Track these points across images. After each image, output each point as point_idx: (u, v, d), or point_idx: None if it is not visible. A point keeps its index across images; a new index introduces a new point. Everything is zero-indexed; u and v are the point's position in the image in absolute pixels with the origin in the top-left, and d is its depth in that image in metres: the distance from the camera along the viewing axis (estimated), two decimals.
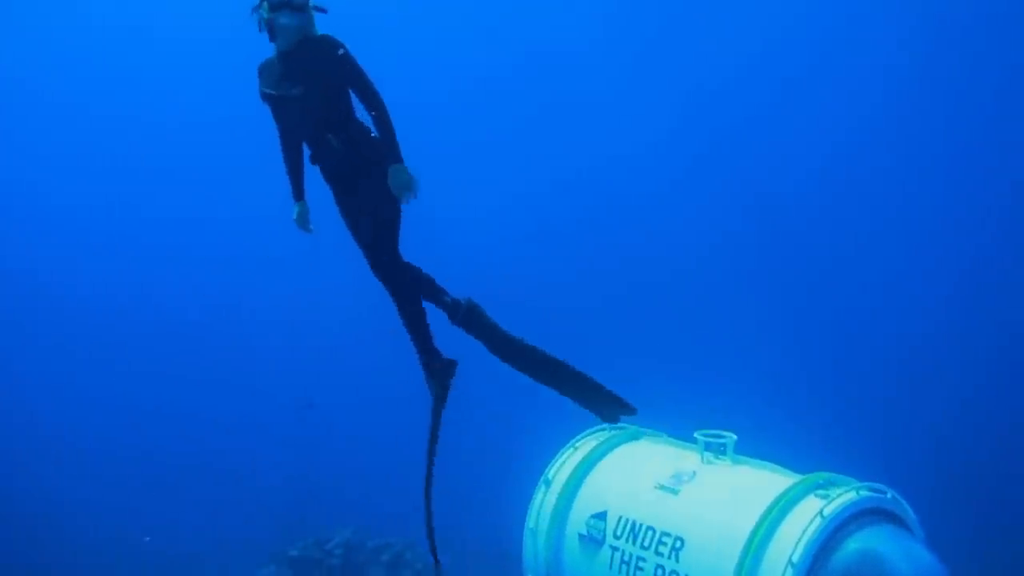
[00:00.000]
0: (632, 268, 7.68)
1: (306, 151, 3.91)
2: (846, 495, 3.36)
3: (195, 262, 8.44)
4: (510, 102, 8.07)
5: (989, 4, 8.00)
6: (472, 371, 4.37)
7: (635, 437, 4.32)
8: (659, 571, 3.51)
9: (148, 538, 7.48)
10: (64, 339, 8.19)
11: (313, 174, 3.95)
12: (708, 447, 3.89)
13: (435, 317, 4.06)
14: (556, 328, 7.35)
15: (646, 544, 3.61)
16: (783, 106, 8.28)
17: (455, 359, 4.12)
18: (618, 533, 3.76)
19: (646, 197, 8.08)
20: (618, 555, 3.69)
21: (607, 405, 4.29)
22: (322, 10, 3.70)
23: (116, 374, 8.12)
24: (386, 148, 3.70)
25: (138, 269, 8.39)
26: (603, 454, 4.19)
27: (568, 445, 4.36)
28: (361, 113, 3.80)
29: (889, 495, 3.44)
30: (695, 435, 3.95)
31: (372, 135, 3.76)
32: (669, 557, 3.50)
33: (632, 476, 3.96)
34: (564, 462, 4.25)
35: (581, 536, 3.91)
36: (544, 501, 4.15)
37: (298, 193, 4.01)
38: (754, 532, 3.31)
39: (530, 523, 4.17)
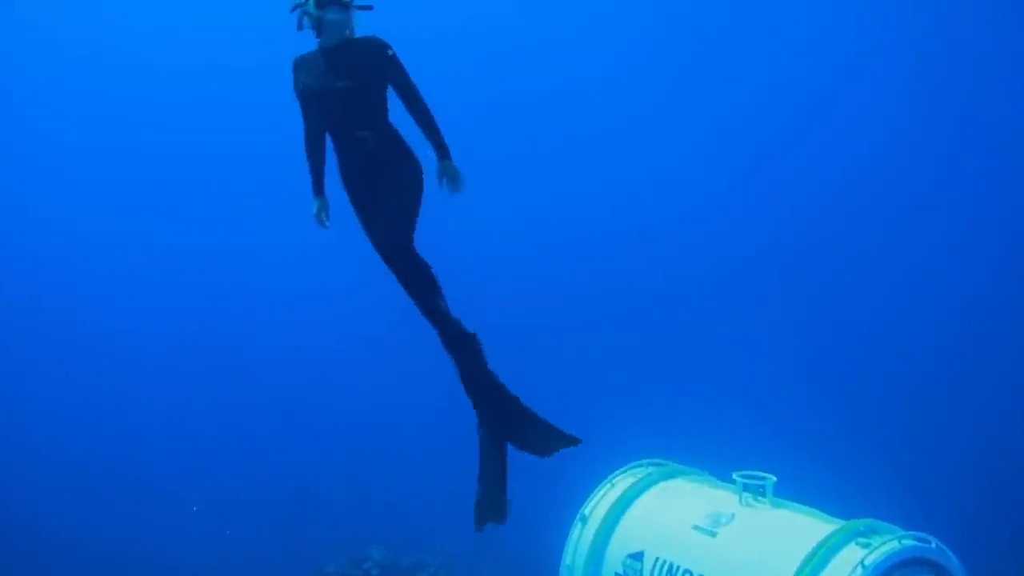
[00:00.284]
0: (667, 301, 7.61)
1: (329, 147, 4.01)
2: (888, 544, 3.31)
3: (194, 261, 8.34)
4: (528, 122, 8.01)
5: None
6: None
7: (672, 475, 4.31)
8: None
9: (196, 508, 7.44)
10: (61, 348, 8.13)
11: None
12: (747, 488, 3.86)
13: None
14: (585, 362, 7.43)
15: None
16: (796, 131, 8.16)
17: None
18: (655, 574, 3.75)
19: (677, 221, 8.02)
20: None
21: (550, 441, 4.07)
22: (368, 7, 3.83)
23: (117, 383, 8.06)
24: (436, 145, 3.89)
25: (141, 278, 8.33)
26: (640, 492, 4.18)
27: (605, 481, 4.36)
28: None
29: (933, 544, 3.38)
30: (733, 476, 3.92)
31: (400, 137, 3.91)
32: None
33: (669, 516, 3.95)
34: (601, 498, 4.25)
35: (617, 575, 3.90)
36: (581, 538, 4.16)
37: (318, 188, 4.08)
38: None
39: (567, 560, 4.18)
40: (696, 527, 3.77)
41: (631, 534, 3.99)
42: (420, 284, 3.91)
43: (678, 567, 3.68)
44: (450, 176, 3.93)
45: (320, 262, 7.72)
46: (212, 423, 7.97)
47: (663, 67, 8.21)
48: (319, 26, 3.75)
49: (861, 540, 3.37)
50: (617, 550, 3.98)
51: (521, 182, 8.05)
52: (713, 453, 4.58)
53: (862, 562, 3.24)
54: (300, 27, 3.80)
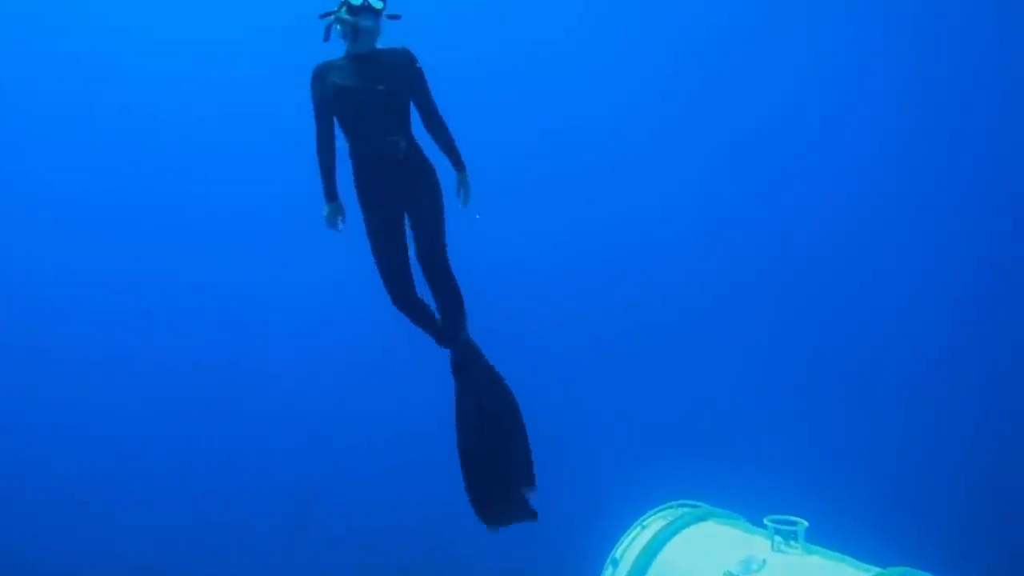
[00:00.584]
0: (700, 335, 7.57)
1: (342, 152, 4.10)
2: None
3: (193, 262, 8.11)
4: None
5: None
6: (539, 439, 4.42)
7: (703, 518, 4.30)
8: None
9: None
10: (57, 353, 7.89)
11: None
12: (778, 532, 3.85)
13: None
14: (614, 397, 7.40)
15: None
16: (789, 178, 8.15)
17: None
18: None
19: (698, 248, 7.95)
20: None
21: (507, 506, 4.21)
22: (396, 16, 3.96)
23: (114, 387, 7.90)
24: (454, 158, 4.12)
25: (141, 279, 8.16)
26: (671, 535, 4.17)
27: (636, 523, 4.37)
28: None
29: None
30: (765, 521, 3.91)
31: (420, 148, 4.08)
32: None
33: (701, 561, 3.94)
34: (632, 541, 4.25)
35: None
36: None
37: (331, 193, 4.12)
38: None
39: None
40: (728, 573, 3.76)
41: None
42: (452, 298, 4.11)
43: None
44: (466, 189, 4.16)
45: (320, 264, 7.66)
46: (212, 427, 7.82)
47: (672, 93, 8.22)
48: (353, 32, 3.89)
49: None
50: None
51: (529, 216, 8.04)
52: (743, 492, 4.57)
53: None
54: (327, 37, 3.94)
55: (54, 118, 8.06)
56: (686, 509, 4.38)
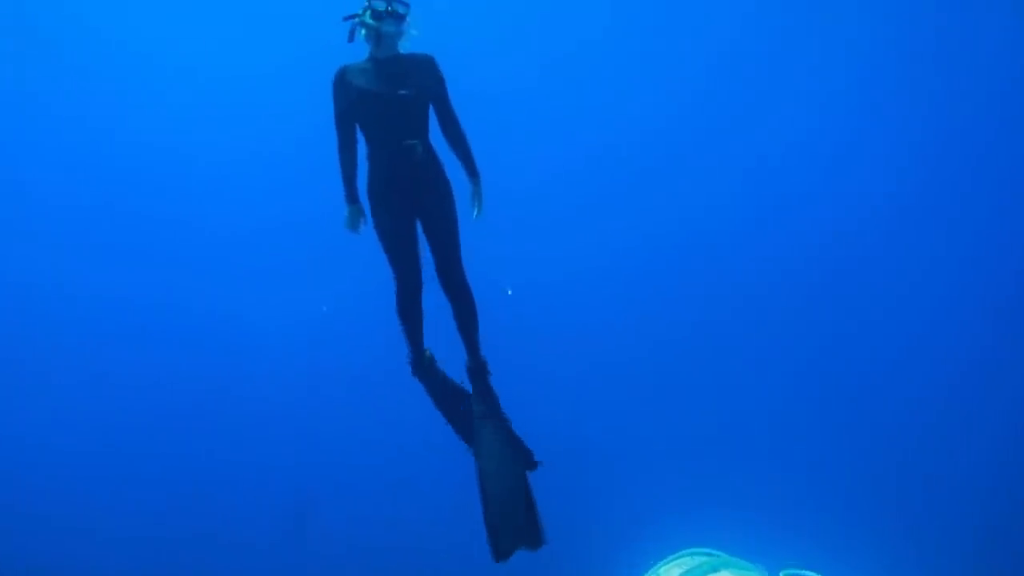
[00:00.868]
0: (729, 382, 7.53)
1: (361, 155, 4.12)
2: None
3: (194, 264, 8.10)
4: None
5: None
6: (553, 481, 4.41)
7: (717, 568, 4.27)
8: None
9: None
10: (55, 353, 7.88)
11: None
12: None
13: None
14: (632, 440, 7.36)
15: None
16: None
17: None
18: None
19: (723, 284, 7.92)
20: None
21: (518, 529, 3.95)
22: (414, 33, 4.00)
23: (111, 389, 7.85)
24: (469, 167, 4.10)
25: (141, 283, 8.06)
26: None
27: (651, 571, 4.35)
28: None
29: None
30: (780, 574, 3.89)
31: (435, 152, 4.05)
32: None
33: None
34: None
35: None
36: None
37: (352, 196, 4.16)
38: None
39: None
40: None
41: None
42: (467, 308, 4.09)
43: None
44: (479, 198, 4.13)
45: (320, 274, 7.77)
46: (211, 438, 7.72)
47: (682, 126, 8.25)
48: (377, 37, 3.92)
49: None
50: None
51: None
52: (759, 540, 4.53)
53: None
54: (351, 39, 3.98)
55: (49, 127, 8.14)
56: (703, 558, 4.35)
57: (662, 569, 4.34)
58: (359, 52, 4.02)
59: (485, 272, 4.26)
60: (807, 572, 3.85)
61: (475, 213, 4.12)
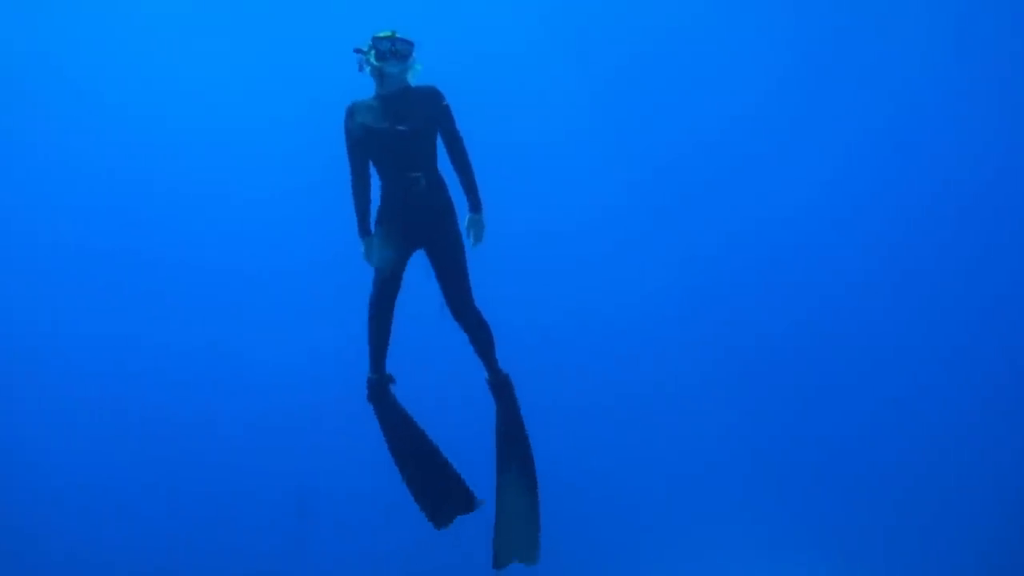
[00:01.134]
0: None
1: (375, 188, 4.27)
2: None
3: (195, 267, 8.08)
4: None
5: None
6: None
7: None
8: None
9: None
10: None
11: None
12: None
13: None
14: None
15: None
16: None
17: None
18: None
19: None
20: None
21: (519, 543, 4.25)
22: (418, 68, 4.17)
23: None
24: (470, 197, 4.20)
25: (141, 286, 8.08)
26: None
27: None
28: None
29: None
30: None
31: (444, 184, 4.19)
32: None
33: None
34: None
35: None
36: None
37: (365, 229, 4.29)
38: None
39: None
40: None
41: None
42: (481, 333, 4.22)
43: None
44: (476, 229, 4.22)
45: (321, 269, 7.64)
46: (210, 433, 7.66)
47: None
48: (380, 76, 4.10)
49: None
50: None
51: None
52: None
53: None
54: (361, 68, 4.17)
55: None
56: None
57: None
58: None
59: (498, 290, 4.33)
60: None
61: (472, 243, 4.23)
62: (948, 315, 7.51)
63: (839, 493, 7.23)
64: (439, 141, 4.20)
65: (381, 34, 4.10)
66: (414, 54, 4.13)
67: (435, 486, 4.21)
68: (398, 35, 4.10)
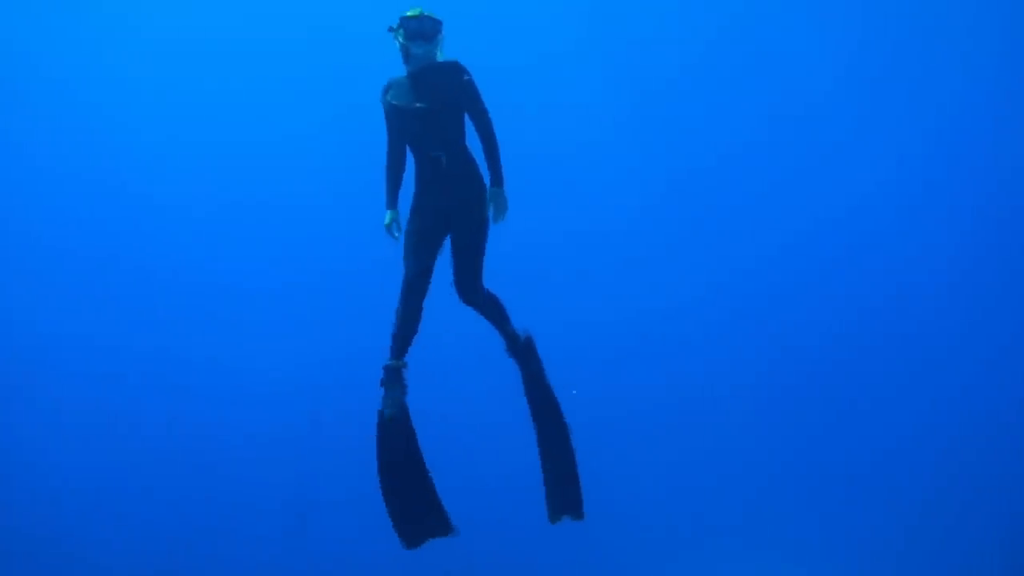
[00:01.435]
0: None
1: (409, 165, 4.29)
2: None
3: (196, 262, 8.15)
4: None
5: None
6: None
7: None
8: None
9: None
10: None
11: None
12: None
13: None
14: None
15: None
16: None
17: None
18: None
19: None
20: None
21: (563, 497, 4.32)
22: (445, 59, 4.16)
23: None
24: (492, 172, 4.12)
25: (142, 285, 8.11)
26: None
27: None
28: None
29: None
30: None
31: (472, 163, 4.16)
32: None
33: None
34: None
35: None
36: None
37: (392, 202, 4.32)
38: None
39: None
40: None
41: None
42: (491, 309, 4.24)
43: None
44: (497, 204, 4.14)
45: (321, 271, 7.76)
46: (210, 436, 7.69)
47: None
48: (406, 54, 4.12)
49: None
50: None
51: None
52: None
53: None
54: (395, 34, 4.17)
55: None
56: None
57: None
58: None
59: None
60: None
61: (494, 220, 4.18)
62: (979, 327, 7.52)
63: (862, 504, 7.23)
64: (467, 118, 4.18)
65: (410, 13, 4.09)
66: (443, 32, 4.12)
67: (412, 506, 4.10)
68: (425, 14, 4.09)
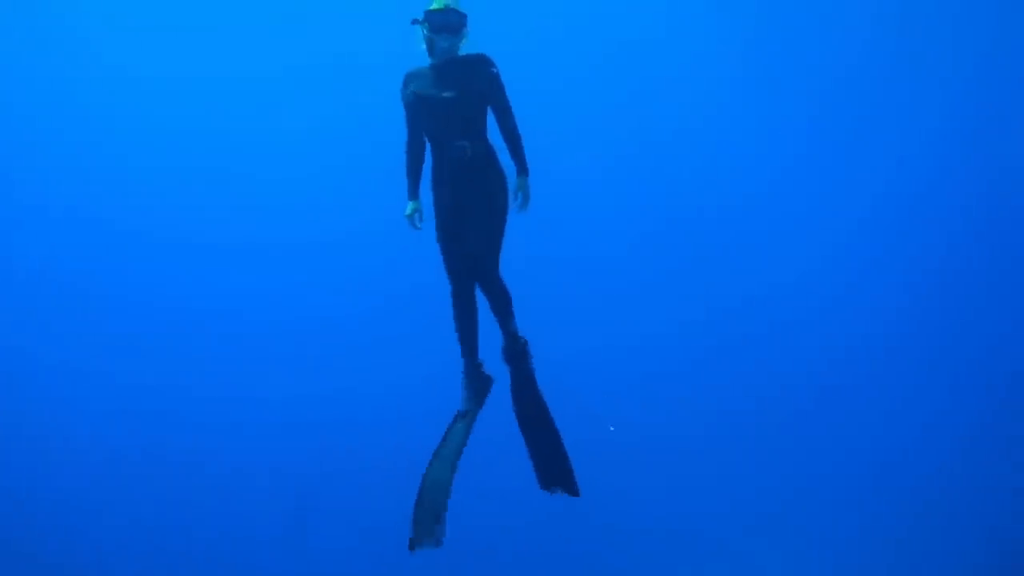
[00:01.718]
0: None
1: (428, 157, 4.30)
2: None
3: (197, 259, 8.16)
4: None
5: None
6: None
7: None
8: None
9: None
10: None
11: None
12: None
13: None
14: None
15: None
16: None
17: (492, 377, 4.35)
18: None
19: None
20: None
21: (556, 475, 4.29)
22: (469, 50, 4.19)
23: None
24: (516, 162, 4.19)
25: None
26: None
27: None
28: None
29: None
30: None
31: (494, 153, 4.20)
32: None
33: None
34: None
35: None
36: None
37: (414, 192, 4.35)
38: None
39: None
40: None
41: None
42: (498, 300, 4.21)
43: None
44: (523, 192, 4.20)
45: (321, 265, 7.76)
46: (211, 429, 7.67)
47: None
48: (431, 47, 4.14)
49: None
50: None
51: None
52: None
53: None
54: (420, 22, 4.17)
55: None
56: None
57: None
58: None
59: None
60: None
61: (519, 208, 4.22)
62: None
63: (862, 504, 7.23)
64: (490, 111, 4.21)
65: (435, 6, 4.10)
66: (468, 25, 4.14)
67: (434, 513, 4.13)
68: (451, 7, 4.11)
